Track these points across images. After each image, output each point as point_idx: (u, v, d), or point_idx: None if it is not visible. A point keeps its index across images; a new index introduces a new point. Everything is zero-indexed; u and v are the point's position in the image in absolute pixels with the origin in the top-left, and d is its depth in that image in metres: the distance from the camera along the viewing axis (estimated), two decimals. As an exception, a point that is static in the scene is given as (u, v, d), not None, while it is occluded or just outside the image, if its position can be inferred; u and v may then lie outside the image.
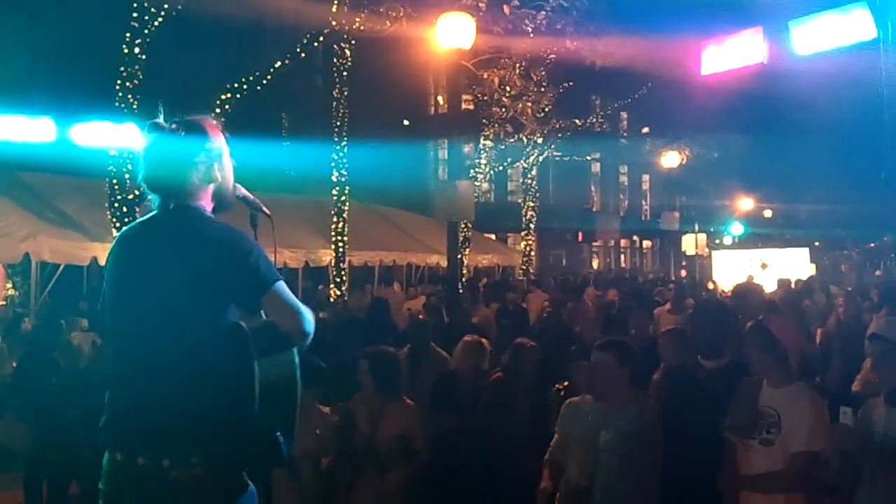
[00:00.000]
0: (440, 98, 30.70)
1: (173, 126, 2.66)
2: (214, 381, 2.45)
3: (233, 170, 2.80)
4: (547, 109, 20.53)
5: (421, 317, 8.53)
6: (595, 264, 37.72)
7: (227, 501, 2.54)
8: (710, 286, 17.61)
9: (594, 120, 23.26)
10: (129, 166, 10.69)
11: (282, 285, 2.55)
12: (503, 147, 20.87)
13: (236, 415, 2.44)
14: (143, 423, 2.48)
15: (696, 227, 32.78)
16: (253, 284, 2.53)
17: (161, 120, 2.68)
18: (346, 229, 15.49)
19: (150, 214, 2.70)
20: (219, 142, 2.73)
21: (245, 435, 2.45)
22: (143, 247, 2.63)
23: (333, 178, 15.52)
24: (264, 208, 2.88)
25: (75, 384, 5.72)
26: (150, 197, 2.70)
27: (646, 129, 30.77)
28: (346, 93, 15.60)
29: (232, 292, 2.54)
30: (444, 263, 15.04)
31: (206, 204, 2.70)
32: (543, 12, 17.24)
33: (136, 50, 10.74)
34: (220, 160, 2.71)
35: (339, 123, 15.56)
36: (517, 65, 18.77)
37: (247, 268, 2.52)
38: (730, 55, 13.99)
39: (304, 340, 2.55)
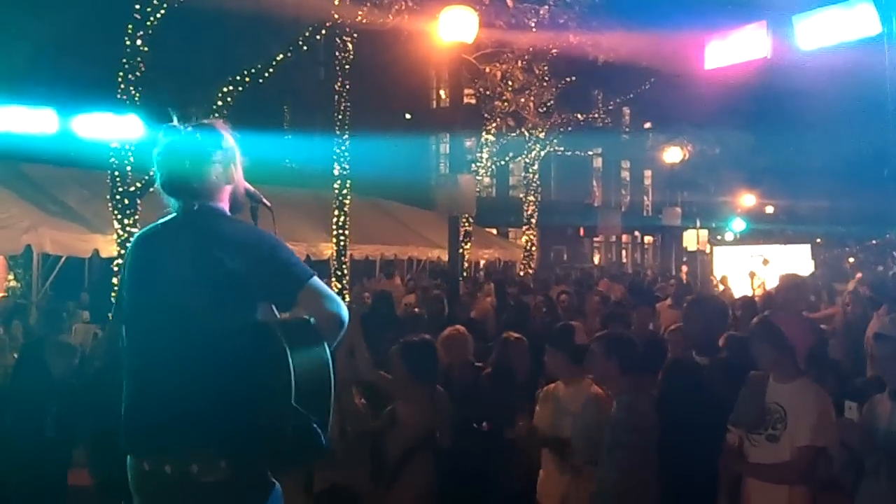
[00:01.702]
0: (442, 92, 30.69)
1: (188, 128, 2.67)
2: (243, 381, 2.43)
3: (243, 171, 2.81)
4: (549, 104, 20.50)
5: (417, 310, 8.53)
6: (596, 259, 37.72)
7: (257, 501, 2.55)
8: (719, 286, 17.10)
9: (596, 115, 23.21)
10: (131, 158, 10.69)
11: (317, 280, 2.61)
12: (505, 141, 20.85)
13: (269, 413, 2.42)
14: (167, 429, 2.46)
15: (698, 223, 32.69)
16: (288, 281, 2.56)
17: (175, 122, 2.68)
18: (347, 223, 15.47)
19: (171, 216, 2.69)
20: (231, 142, 2.74)
21: (278, 432, 2.42)
22: (167, 248, 2.62)
23: (335, 172, 15.50)
24: (265, 200, 2.89)
25: (62, 384, 5.63)
26: (168, 201, 2.69)
27: (648, 125, 30.73)
28: (347, 86, 15.56)
29: (264, 291, 2.56)
30: (444, 257, 15.04)
31: (225, 205, 2.72)
32: (546, 6, 17.18)
33: (139, 42, 10.72)
34: (235, 161, 2.73)
35: (340, 117, 15.53)
36: (519, 59, 18.73)
37: (279, 266, 2.56)
38: (733, 50, 13.96)
39: (341, 330, 2.58)
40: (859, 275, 15.17)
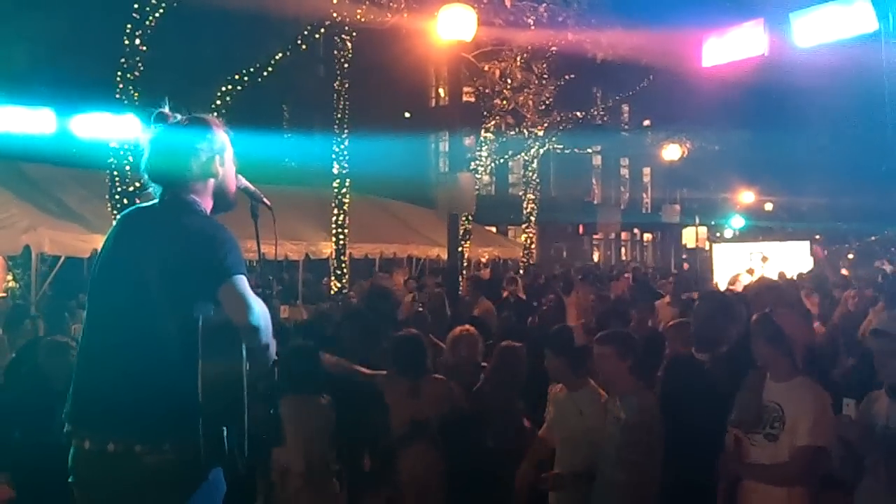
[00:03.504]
0: (441, 90, 30.69)
1: (177, 117, 2.69)
2: (173, 370, 2.47)
3: (235, 169, 2.81)
4: (548, 102, 20.49)
5: (420, 309, 8.52)
6: (596, 257, 37.73)
7: (199, 491, 2.54)
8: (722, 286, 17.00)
9: (595, 112, 23.22)
10: (130, 158, 10.69)
11: (240, 279, 2.54)
12: (504, 139, 20.83)
13: (190, 407, 2.44)
14: (112, 407, 2.48)
15: (697, 220, 32.77)
16: (213, 274, 2.52)
17: (166, 109, 2.69)
18: (346, 221, 15.48)
19: (150, 202, 2.74)
20: (221, 137, 2.75)
21: (195, 427, 2.45)
22: (130, 234, 2.67)
23: (334, 170, 15.51)
24: (265, 199, 2.91)
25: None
26: (150, 188, 2.73)
27: (647, 122, 30.72)
28: (347, 84, 15.57)
29: (195, 282, 2.53)
30: (444, 256, 15.03)
31: (204, 199, 2.72)
32: (545, 4, 17.18)
33: (137, 41, 10.73)
34: (221, 154, 2.73)
35: (340, 115, 15.54)
36: (518, 57, 18.72)
37: (212, 258, 2.53)
38: (731, 47, 13.95)
39: (252, 335, 2.50)
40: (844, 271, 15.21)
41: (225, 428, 2.46)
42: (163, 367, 2.48)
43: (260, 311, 2.53)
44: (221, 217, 2.84)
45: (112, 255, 2.66)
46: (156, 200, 2.71)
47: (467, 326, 5.93)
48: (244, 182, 2.88)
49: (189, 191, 2.67)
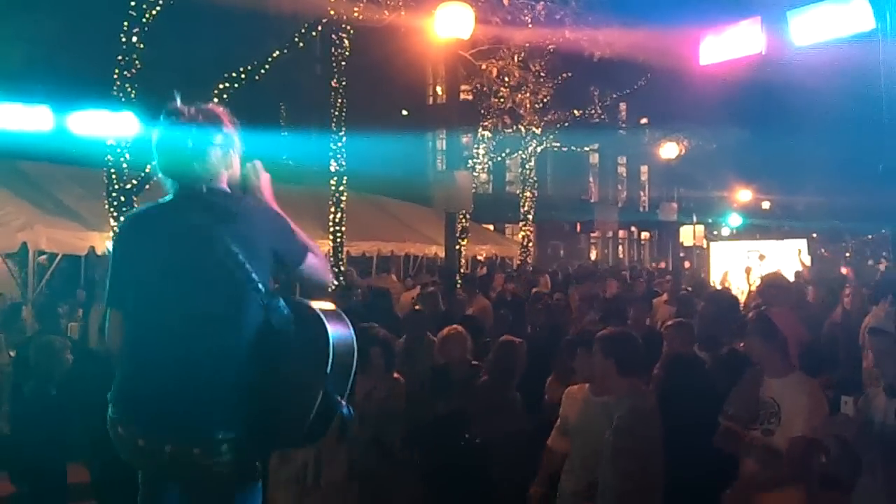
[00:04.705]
0: (439, 88, 30.66)
1: (192, 112, 2.67)
2: (271, 370, 2.48)
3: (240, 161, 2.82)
4: (545, 100, 20.48)
5: (417, 307, 8.53)
6: (593, 255, 37.74)
7: (249, 487, 2.60)
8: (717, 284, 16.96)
9: (593, 111, 23.21)
10: (127, 155, 10.67)
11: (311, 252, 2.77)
12: (501, 138, 20.83)
13: (298, 402, 2.47)
14: (171, 410, 2.47)
15: (695, 219, 32.83)
16: (297, 251, 2.72)
17: (178, 104, 2.68)
18: (344, 219, 15.47)
19: (170, 198, 2.69)
20: (233, 129, 2.77)
21: (302, 419, 2.47)
22: (178, 229, 2.60)
23: (332, 168, 15.49)
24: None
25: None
26: (166, 183, 2.71)
27: (644, 121, 30.73)
28: (344, 83, 15.54)
29: (279, 260, 2.67)
30: (442, 254, 15.06)
31: (225, 187, 2.74)
32: (542, 2, 17.17)
33: (134, 39, 10.70)
34: (234, 146, 2.75)
35: (337, 113, 15.51)
36: (516, 55, 18.72)
37: (289, 237, 2.71)
38: (728, 45, 13.94)
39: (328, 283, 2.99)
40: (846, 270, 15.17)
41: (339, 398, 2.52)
42: (238, 369, 2.49)
43: (324, 264, 2.87)
44: None
45: (160, 254, 2.58)
46: (171, 197, 2.68)
47: (456, 326, 5.94)
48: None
49: (217, 180, 2.69)
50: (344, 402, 2.51)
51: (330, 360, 2.45)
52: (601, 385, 4.46)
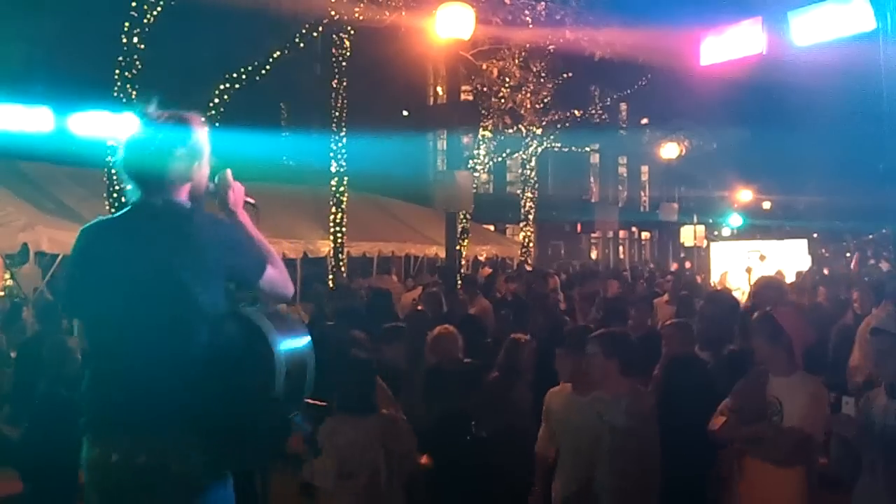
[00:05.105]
0: (439, 88, 30.65)
1: (161, 116, 2.64)
2: (227, 377, 2.46)
3: (209, 171, 2.79)
4: (546, 100, 20.50)
5: (420, 307, 8.52)
6: (594, 255, 37.74)
7: (219, 493, 2.57)
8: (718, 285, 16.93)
9: (593, 111, 23.23)
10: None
11: (269, 266, 2.72)
12: (502, 138, 20.84)
13: (250, 410, 2.46)
14: (149, 421, 2.46)
15: (695, 219, 32.78)
16: (253, 267, 2.66)
17: (152, 109, 2.66)
18: (344, 220, 15.48)
19: (129, 209, 2.68)
20: (202, 140, 2.71)
21: (255, 428, 2.49)
22: (136, 241, 2.58)
23: (332, 169, 15.51)
24: (248, 198, 2.89)
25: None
26: (127, 187, 2.69)
27: (645, 121, 30.73)
28: (345, 83, 15.56)
29: (233, 278, 2.63)
30: (442, 254, 15.05)
31: (185, 200, 2.69)
32: (543, 3, 17.19)
33: (135, 39, 10.71)
34: (200, 159, 2.70)
35: (337, 113, 15.53)
36: (516, 56, 18.73)
37: (244, 253, 2.65)
38: (729, 46, 13.97)
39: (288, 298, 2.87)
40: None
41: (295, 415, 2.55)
42: (200, 376, 2.47)
43: (282, 278, 2.78)
44: None
45: (119, 267, 2.56)
46: (131, 206, 2.67)
47: (446, 326, 5.96)
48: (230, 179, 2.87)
49: (175, 192, 2.64)
50: (300, 417, 2.53)
51: (277, 376, 2.44)
52: (585, 384, 4.47)
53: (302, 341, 2.58)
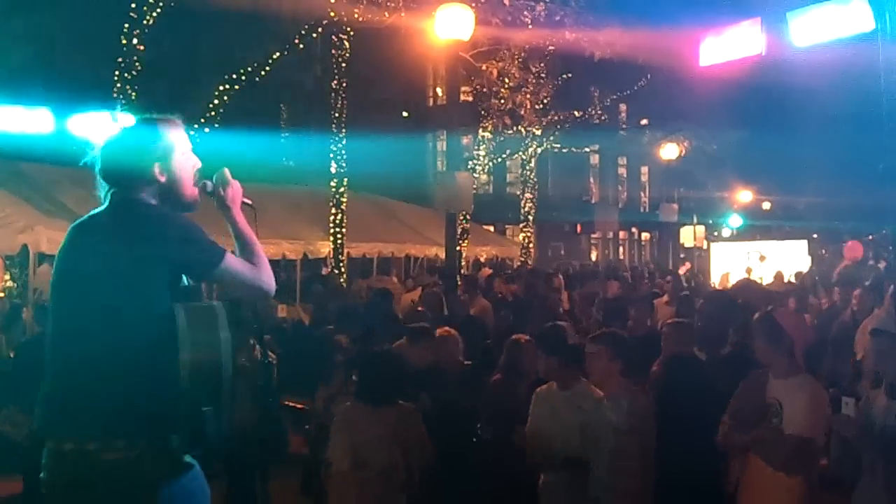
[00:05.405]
0: (439, 89, 30.68)
1: (135, 119, 2.78)
2: (139, 362, 2.51)
3: (192, 169, 2.82)
4: (546, 101, 20.51)
5: (420, 308, 8.53)
6: (594, 256, 37.74)
7: (160, 481, 2.55)
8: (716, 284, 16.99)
9: (593, 112, 23.23)
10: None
11: (229, 256, 2.72)
12: (502, 139, 20.85)
13: (160, 397, 2.49)
14: (68, 407, 2.53)
15: (695, 219, 32.82)
16: (204, 261, 2.67)
17: (119, 112, 2.75)
18: (344, 221, 15.49)
19: (100, 207, 2.76)
20: (170, 139, 2.77)
21: (170, 413, 2.51)
22: (88, 239, 2.69)
23: (332, 170, 15.51)
24: (246, 199, 2.93)
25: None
26: (99, 184, 2.77)
27: (644, 121, 30.72)
28: (344, 84, 15.57)
29: (180, 272, 2.66)
30: (442, 255, 15.05)
31: (148, 197, 2.74)
32: (542, 3, 17.20)
33: (135, 41, 10.74)
34: (165, 159, 2.74)
35: (337, 114, 15.54)
36: (516, 56, 18.74)
37: (192, 248, 2.65)
38: (728, 46, 13.96)
39: (265, 295, 2.83)
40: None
41: (207, 409, 2.54)
42: (117, 362, 2.51)
43: (252, 272, 2.75)
44: (211, 217, 2.87)
45: (70, 263, 2.69)
46: (104, 203, 2.74)
47: (447, 328, 5.99)
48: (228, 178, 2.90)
49: (136, 190, 2.72)
50: (210, 413, 2.53)
51: (186, 371, 2.47)
52: (565, 381, 4.59)
53: (214, 337, 2.55)
